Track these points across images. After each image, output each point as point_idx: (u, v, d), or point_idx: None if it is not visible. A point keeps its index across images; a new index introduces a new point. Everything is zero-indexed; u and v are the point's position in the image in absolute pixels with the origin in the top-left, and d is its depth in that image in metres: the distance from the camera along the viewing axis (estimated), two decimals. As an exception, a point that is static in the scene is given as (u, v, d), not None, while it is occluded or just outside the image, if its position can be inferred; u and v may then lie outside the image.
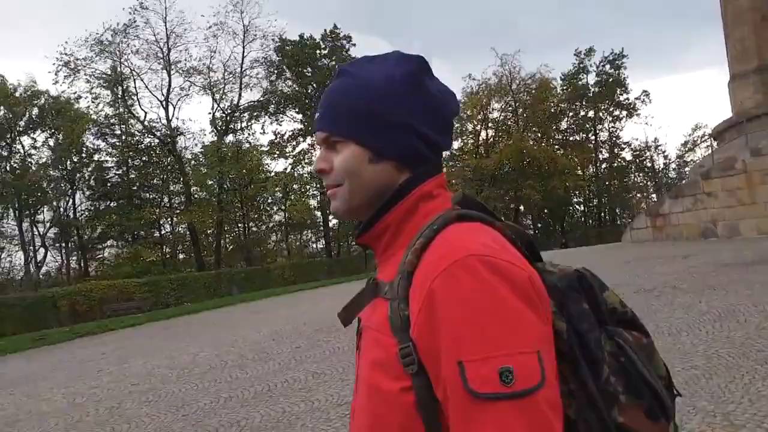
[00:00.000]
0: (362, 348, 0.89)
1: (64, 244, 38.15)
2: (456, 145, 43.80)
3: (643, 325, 0.86)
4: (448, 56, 71.19)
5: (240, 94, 32.14)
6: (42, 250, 38.11)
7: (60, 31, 66.37)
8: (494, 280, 0.72)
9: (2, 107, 31.00)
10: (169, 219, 35.28)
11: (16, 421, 6.41)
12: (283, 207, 38.88)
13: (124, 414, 5.93)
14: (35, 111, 33.26)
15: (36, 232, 37.05)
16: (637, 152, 47.52)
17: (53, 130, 34.30)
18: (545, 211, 46.35)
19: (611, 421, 0.76)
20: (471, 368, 0.70)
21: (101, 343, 13.05)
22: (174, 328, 13.98)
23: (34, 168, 32.57)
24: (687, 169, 51.91)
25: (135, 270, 30.26)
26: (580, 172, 43.66)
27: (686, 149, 50.32)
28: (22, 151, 33.39)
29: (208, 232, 35.56)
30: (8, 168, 33.30)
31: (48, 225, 35.56)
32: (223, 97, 32.04)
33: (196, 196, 32.75)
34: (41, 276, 35.64)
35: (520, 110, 42.66)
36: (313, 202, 36.45)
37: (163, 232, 36.48)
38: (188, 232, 32.27)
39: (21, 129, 32.93)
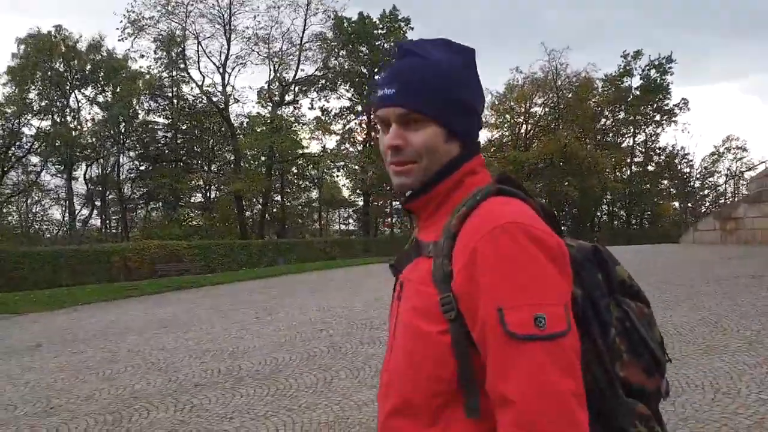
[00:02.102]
0: (404, 297, 1.02)
1: (99, 202, 38.56)
2: (497, 134, 44.07)
3: (646, 298, 1.01)
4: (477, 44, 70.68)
5: (298, 67, 32.31)
6: (79, 207, 38.55)
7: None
8: (530, 244, 0.85)
9: (62, 58, 31.18)
10: (215, 185, 35.53)
11: (238, 352, 6.75)
12: (318, 184, 39.25)
13: (358, 352, 6.26)
14: (89, 67, 33.45)
15: (71, 188, 37.39)
16: (668, 159, 47.68)
17: (103, 88, 34.54)
18: (574, 210, 46.63)
19: (615, 374, 0.91)
20: (510, 314, 0.83)
21: (207, 296, 13.39)
22: (279, 287, 14.23)
23: (88, 124, 32.83)
24: (712, 179, 52.22)
25: (183, 233, 30.64)
26: (615, 173, 43.92)
27: (712, 160, 50.46)
28: (76, 105, 33.65)
29: (246, 203, 35.95)
30: (60, 122, 33.58)
31: (94, 182, 35.93)
32: (280, 68, 32.19)
33: (244, 164, 33.03)
34: (83, 232, 36.00)
35: (562, 106, 42.76)
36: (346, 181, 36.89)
37: (209, 197, 36.81)
38: (234, 200, 32.55)
39: (77, 83, 33.14)
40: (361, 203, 39.44)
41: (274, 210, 40.30)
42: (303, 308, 9.78)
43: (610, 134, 46.19)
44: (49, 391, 5.56)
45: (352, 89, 35.29)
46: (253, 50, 30.86)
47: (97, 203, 37.55)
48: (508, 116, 44.40)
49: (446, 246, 0.91)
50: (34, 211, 39.97)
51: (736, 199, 49.59)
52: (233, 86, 33.13)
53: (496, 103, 43.71)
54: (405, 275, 1.03)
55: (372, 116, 35.94)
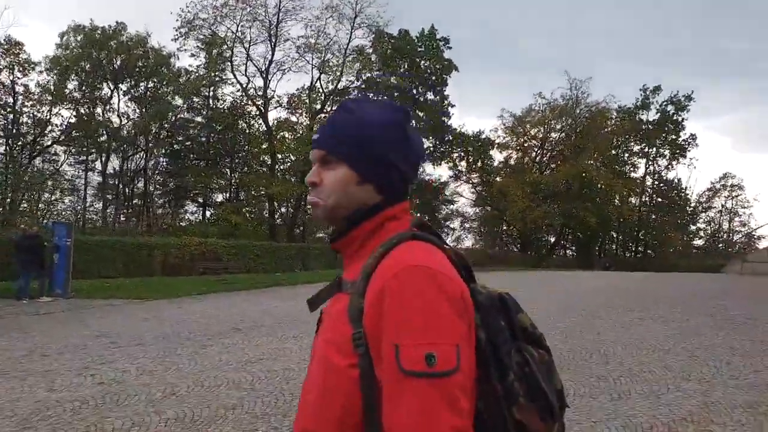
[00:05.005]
0: (320, 330, 1.07)
1: (118, 197, 38.31)
2: (515, 156, 45.14)
3: (547, 345, 1.06)
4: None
5: (340, 78, 32.91)
6: (93, 199, 38.07)
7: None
8: (431, 286, 0.91)
9: (103, 52, 31.26)
10: (250, 187, 35.71)
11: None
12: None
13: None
14: (132, 61, 33.54)
15: (104, 180, 37.03)
16: (674, 192, 49.16)
17: (136, 82, 34.59)
18: (579, 235, 47.57)
19: (510, 416, 0.94)
20: (404, 351, 0.88)
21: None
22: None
23: (124, 119, 32.80)
24: (706, 213, 53.79)
25: (219, 232, 30.68)
26: (627, 202, 45.24)
27: (708, 196, 52.05)
28: (116, 99, 33.69)
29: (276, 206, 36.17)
30: (91, 113, 33.50)
31: (119, 175, 35.81)
32: (323, 77, 32.77)
33: (279, 167, 33.39)
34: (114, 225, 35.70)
35: (578, 133, 43.94)
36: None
37: (235, 198, 36.93)
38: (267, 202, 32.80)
39: (119, 77, 33.20)
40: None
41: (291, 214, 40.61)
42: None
43: (617, 163, 47.40)
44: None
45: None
46: (303, 57, 31.35)
47: (110, 197, 37.31)
48: (521, 139, 45.61)
49: (362, 284, 0.97)
50: (52, 199, 39.51)
51: (732, 234, 51.54)
52: (274, 91, 33.52)
53: (513, 125, 44.87)
54: (326, 309, 1.09)
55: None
